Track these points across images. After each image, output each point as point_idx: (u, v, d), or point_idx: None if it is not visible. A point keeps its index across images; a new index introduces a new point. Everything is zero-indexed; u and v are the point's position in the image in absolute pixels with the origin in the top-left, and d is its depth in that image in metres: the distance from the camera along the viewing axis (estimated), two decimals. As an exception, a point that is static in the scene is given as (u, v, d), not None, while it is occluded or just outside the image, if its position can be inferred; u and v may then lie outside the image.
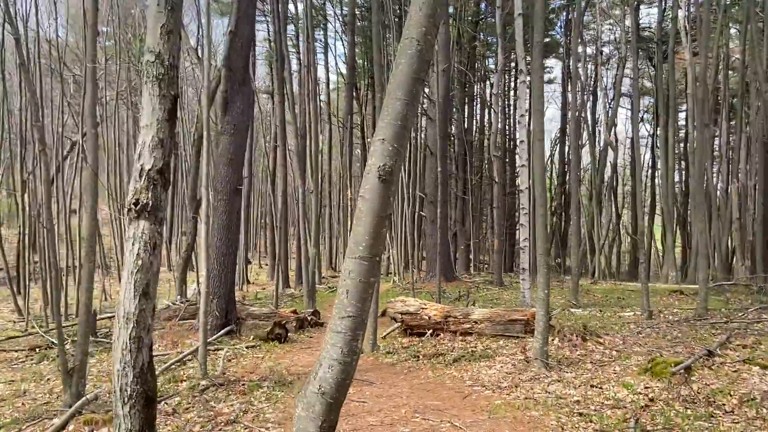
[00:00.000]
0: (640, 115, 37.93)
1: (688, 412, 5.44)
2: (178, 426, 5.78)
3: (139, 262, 3.42)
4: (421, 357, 8.48)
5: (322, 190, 31.03)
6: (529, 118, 12.35)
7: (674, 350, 8.07)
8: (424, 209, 21.23)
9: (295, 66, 27.37)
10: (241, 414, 6.16)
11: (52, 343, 10.66)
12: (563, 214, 37.45)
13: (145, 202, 3.44)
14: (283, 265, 22.94)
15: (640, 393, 6.05)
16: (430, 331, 9.91)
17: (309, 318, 11.79)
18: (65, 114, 23.28)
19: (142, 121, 3.55)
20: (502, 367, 7.60)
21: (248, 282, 28.30)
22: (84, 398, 6.46)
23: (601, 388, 6.35)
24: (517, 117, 14.56)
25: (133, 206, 3.42)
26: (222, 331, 10.34)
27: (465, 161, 30.30)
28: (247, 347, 9.62)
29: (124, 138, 38.08)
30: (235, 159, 10.69)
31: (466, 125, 32.07)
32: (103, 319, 13.85)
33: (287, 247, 23.46)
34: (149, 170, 3.47)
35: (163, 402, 6.77)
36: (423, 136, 23.53)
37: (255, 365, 8.54)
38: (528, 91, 13.33)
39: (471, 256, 31.73)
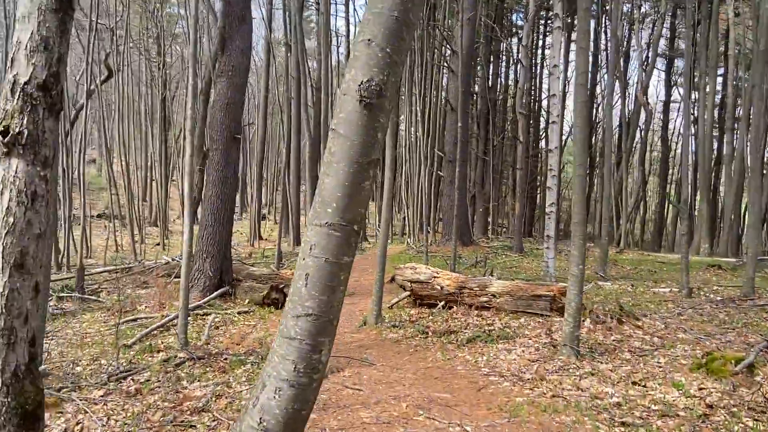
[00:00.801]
0: (674, 78, 35.75)
1: (761, 428, 4.29)
2: (133, 413, 4.78)
3: (10, 220, 2.30)
4: (430, 333, 7.39)
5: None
6: (564, 78, 10.88)
7: (725, 338, 6.88)
8: (443, 169, 19.93)
9: (313, 17, 25.87)
10: (213, 399, 5.16)
11: None
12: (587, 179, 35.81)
13: (18, 130, 2.30)
14: (294, 219, 21.97)
15: (695, 396, 4.89)
16: (442, 302, 8.81)
17: (312, 282, 10.75)
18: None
19: (18, 10, 2.37)
20: (524, 351, 6.48)
21: (260, 238, 27.47)
22: None
23: (645, 386, 5.20)
24: (547, 69, 13.06)
25: None
26: (215, 294, 9.36)
27: (487, 121, 28.73)
28: (239, 313, 8.63)
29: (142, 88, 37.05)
30: (232, 104, 9.50)
31: (490, 83, 30.34)
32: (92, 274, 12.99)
33: (298, 201, 22.42)
34: (25, 84, 2.31)
35: (129, 378, 5.80)
36: (444, 94, 22.02)
37: (244, 335, 7.54)
38: (562, 41, 11.86)
39: (489, 220, 30.48)
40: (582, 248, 6.27)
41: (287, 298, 2.43)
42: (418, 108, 19.64)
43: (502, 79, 33.75)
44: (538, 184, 37.85)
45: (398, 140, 32.49)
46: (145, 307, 9.02)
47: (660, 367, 5.73)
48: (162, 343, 6.98)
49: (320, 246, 2.11)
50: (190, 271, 6.90)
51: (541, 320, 7.66)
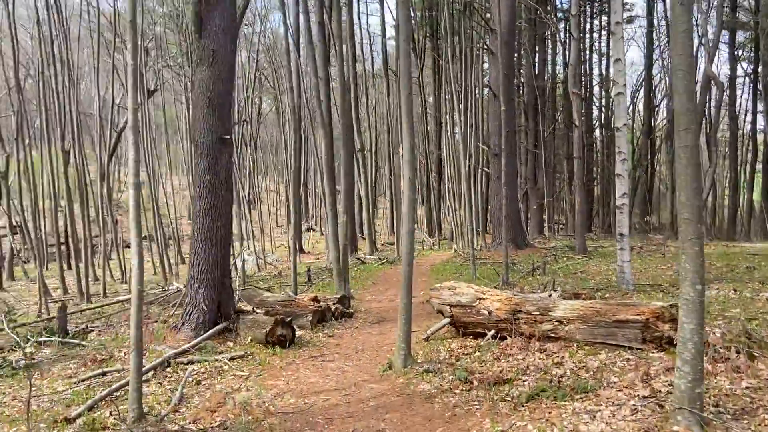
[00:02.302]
0: (737, 53, 31.96)
1: None
2: None
3: None
4: (475, 383, 5.24)
5: (377, 150, 27.90)
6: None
7: None
8: (489, 165, 17.61)
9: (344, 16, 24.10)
10: None
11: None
12: (648, 167, 32.49)
13: None
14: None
15: None
16: (492, 331, 6.64)
17: (333, 308, 8.77)
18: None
19: None
20: (614, 415, 4.26)
21: (302, 251, 25.82)
22: None
23: None
24: (611, 27, 10.65)
25: None
26: (210, 332, 7.50)
27: (536, 111, 26.17)
28: (231, 358, 6.71)
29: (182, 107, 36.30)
30: (217, 98, 7.65)
31: (536, 71, 27.75)
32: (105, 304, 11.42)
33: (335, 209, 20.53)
34: None
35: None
36: (485, 81, 19.69)
37: (227, 394, 5.59)
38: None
39: (544, 217, 27.82)
40: (699, 257, 4.03)
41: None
42: (456, 99, 17.43)
43: (550, 67, 31.02)
44: (594, 176, 34.77)
45: (440, 139, 30.32)
46: (125, 354, 7.24)
47: None
48: (113, 414, 5.11)
49: None
50: (141, 313, 5.02)
51: (629, 356, 5.39)
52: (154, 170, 27.49)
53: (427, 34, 31.20)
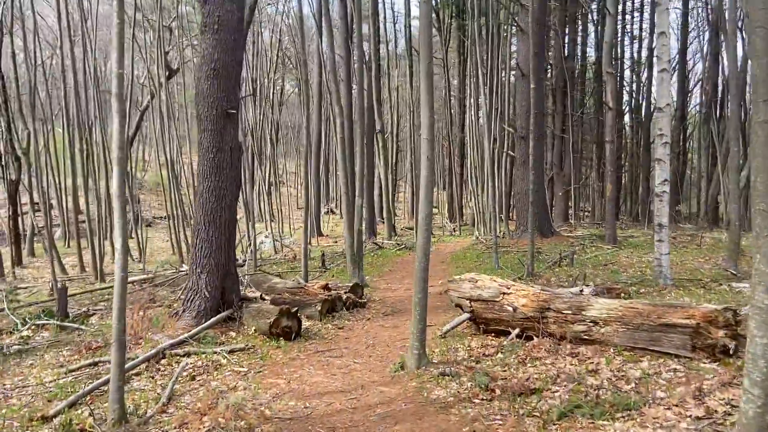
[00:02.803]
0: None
1: None
2: None
3: None
4: (497, 392, 4.58)
5: (398, 133, 27.10)
6: None
7: None
8: (515, 149, 16.74)
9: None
10: None
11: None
12: (680, 154, 31.10)
13: None
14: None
15: None
16: (516, 330, 5.96)
17: (344, 297, 8.16)
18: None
19: None
20: (663, 442, 3.57)
21: (320, 234, 25.30)
22: None
23: None
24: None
25: None
26: (212, 320, 6.96)
27: (564, 94, 25.06)
28: (231, 351, 6.14)
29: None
30: (222, 69, 7.03)
31: (566, 52, 26.56)
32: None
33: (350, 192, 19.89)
34: None
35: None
36: (513, 61, 18.68)
37: (221, 393, 5.03)
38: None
39: (570, 204, 26.83)
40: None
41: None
42: (482, 76, 16.55)
43: (579, 49, 29.72)
44: (623, 162, 33.50)
45: (464, 122, 29.40)
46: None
47: None
48: (93, 414, 4.58)
49: None
50: (125, 301, 4.46)
51: (677, 366, 4.67)
52: (173, 150, 27.13)
53: (453, 14, 30.13)
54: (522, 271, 10.40)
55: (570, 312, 5.55)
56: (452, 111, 30.14)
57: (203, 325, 6.81)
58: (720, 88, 24.39)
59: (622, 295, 7.77)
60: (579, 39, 29.15)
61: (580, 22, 28.82)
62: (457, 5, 30.28)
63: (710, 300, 7.30)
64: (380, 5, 26.10)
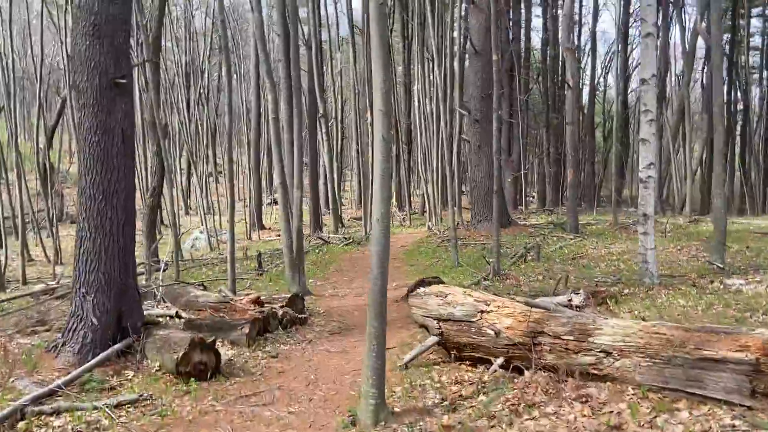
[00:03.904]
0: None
1: None
2: None
3: None
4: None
5: (343, 119, 25.39)
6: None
7: None
8: (467, 133, 15.40)
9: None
10: None
11: None
12: (623, 138, 30.66)
13: None
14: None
15: None
16: (500, 360, 4.54)
17: (281, 312, 6.52)
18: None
19: None
20: None
21: (262, 227, 23.37)
22: None
23: None
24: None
25: None
26: (103, 354, 5.19)
27: (511, 77, 23.98)
28: (118, 405, 4.41)
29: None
30: (106, 25, 5.21)
31: (511, 34, 25.46)
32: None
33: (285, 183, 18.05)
34: None
35: None
36: (461, 37, 17.21)
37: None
38: None
39: (518, 190, 25.94)
40: None
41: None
42: (429, 57, 15.07)
43: (523, 32, 28.71)
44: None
45: (410, 108, 27.95)
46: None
47: None
48: None
49: None
50: None
51: (730, 419, 3.32)
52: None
53: (396, -3, 28.47)
54: (485, 269, 9.05)
55: (572, 338, 4.15)
56: (397, 97, 28.64)
57: (89, 364, 5.04)
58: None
59: (608, 300, 6.53)
60: (523, 22, 28.16)
61: (523, 4, 27.81)
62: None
63: (712, 304, 6.12)
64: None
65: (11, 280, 12.97)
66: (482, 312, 4.70)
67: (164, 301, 7.28)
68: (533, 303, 4.74)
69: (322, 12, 25.56)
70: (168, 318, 6.70)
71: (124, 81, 5.33)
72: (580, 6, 30.04)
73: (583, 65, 32.66)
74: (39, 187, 22.09)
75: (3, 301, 9.45)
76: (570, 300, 5.55)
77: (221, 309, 6.65)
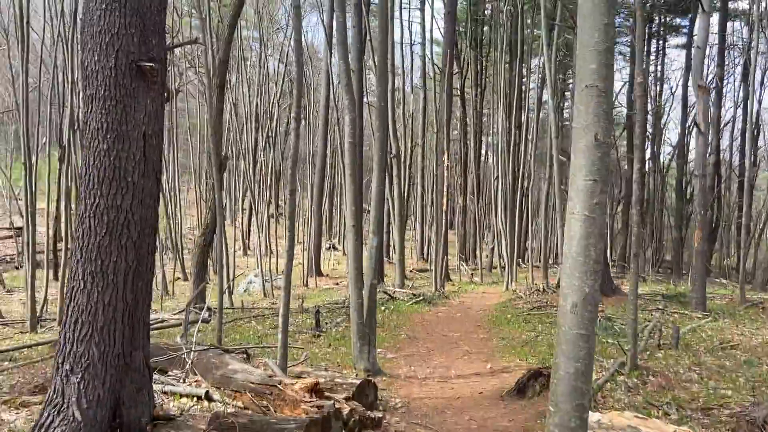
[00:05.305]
0: None
1: None
2: None
3: None
4: None
5: (412, 162, 23.72)
6: None
7: None
8: (564, 181, 13.20)
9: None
10: None
11: None
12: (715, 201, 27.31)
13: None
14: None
15: None
16: None
17: (347, 412, 4.47)
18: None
19: None
20: None
21: (320, 274, 21.55)
22: None
23: None
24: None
25: None
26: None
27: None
28: None
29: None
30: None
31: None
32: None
33: (359, 226, 16.32)
34: None
35: None
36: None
37: None
38: None
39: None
40: None
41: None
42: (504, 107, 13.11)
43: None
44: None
45: (479, 159, 26.02)
46: None
47: None
48: None
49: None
50: None
51: None
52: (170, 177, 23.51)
53: (470, 45, 27.16)
54: (613, 356, 6.70)
55: None
56: (468, 145, 26.87)
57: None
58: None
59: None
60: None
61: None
62: (474, 38, 27.43)
63: None
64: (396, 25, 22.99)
65: (48, 318, 11.52)
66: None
67: (194, 373, 5.40)
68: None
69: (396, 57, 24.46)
70: (195, 399, 4.80)
71: (152, 66, 3.61)
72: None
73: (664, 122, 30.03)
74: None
75: (19, 348, 7.89)
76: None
77: (265, 395, 4.69)
